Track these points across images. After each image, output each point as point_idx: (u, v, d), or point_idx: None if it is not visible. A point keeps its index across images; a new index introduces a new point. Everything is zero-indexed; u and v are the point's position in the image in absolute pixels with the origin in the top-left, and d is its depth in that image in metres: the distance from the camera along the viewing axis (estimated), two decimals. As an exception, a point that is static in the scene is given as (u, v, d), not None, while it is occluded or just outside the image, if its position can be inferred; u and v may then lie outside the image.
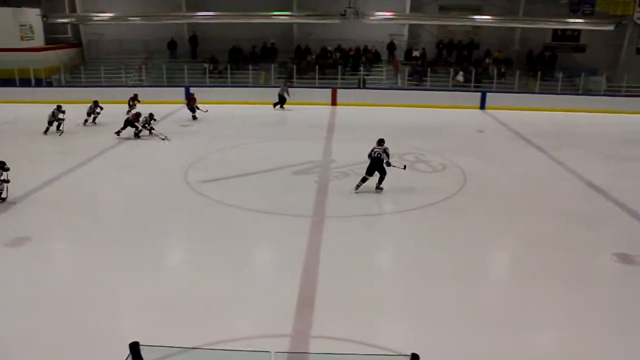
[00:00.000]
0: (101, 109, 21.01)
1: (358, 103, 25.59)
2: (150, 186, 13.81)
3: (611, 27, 27.45)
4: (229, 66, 28.65)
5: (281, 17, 28.29)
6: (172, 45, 30.50)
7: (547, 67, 29.39)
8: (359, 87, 27.73)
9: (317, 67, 28.18)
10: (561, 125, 23.25)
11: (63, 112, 19.52)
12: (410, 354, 4.45)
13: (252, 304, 8.21)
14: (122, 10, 29.00)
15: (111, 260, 9.64)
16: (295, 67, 28.37)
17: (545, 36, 30.34)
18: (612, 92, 27.99)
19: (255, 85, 27.99)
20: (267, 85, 27.99)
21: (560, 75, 28.09)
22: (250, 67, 28.23)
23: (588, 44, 29.99)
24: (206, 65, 28.71)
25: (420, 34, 30.72)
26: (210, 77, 28.37)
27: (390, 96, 25.89)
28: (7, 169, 12.03)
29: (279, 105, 25.43)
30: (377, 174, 13.25)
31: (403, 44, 30.27)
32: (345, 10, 25.53)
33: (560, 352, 7.45)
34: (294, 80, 27.73)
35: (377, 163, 13.28)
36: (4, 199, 12.17)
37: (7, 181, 12.04)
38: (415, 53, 29.60)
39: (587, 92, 27.63)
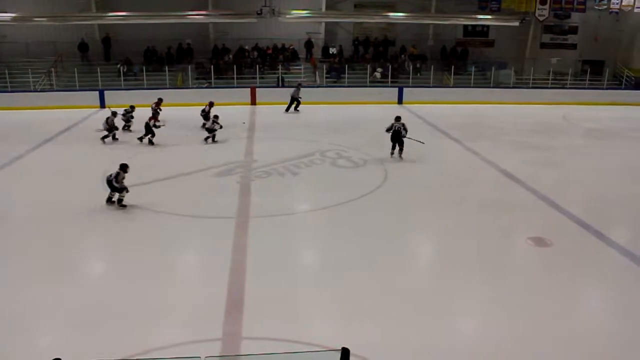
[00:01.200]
0: None
1: (277, 102, 25.55)
2: (66, 194, 13.19)
3: (516, 23, 28.87)
4: (144, 68, 27.85)
5: (196, 16, 27.79)
6: (83, 47, 29.28)
7: (460, 61, 30.50)
8: (277, 86, 27.72)
9: (234, 66, 27.93)
10: (475, 117, 24.13)
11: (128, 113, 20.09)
12: (341, 348, 4.48)
13: (180, 309, 8.03)
14: (27, 10, 27.49)
15: (28, 273, 9.16)
16: (212, 67, 27.99)
17: (456, 32, 31.45)
18: (520, 84, 29.43)
19: (172, 87, 27.39)
20: (184, 86, 27.48)
21: (472, 69, 29.26)
22: (167, 68, 27.57)
23: (497, 39, 31.36)
24: (120, 67, 27.81)
25: (337, 31, 31.07)
26: (125, 80, 27.53)
27: (309, 94, 26.00)
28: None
29: (292, 108, 24.68)
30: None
31: (320, 41, 30.51)
32: (261, 9, 25.43)
33: (485, 335, 7.73)
34: (212, 81, 27.38)
35: (397, 136, 16.14)
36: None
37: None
38: (333, 50, 29.90)
39: (498, 85, 28.91)
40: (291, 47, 29.78)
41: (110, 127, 18.56)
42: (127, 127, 20.23)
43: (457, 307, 8.40)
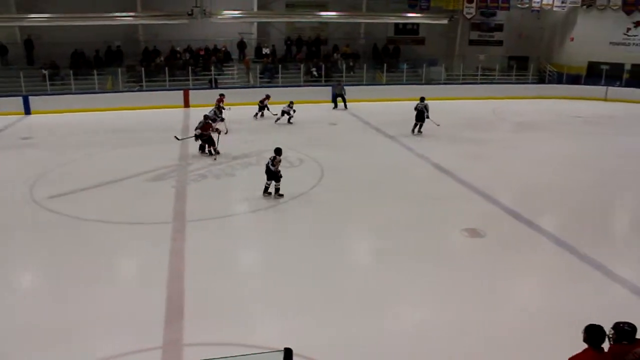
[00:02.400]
0: None
1: (211, 104, 25.08)
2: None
3: (445, 21, 29.70)
4: (71, 72, 26.82)
5: (125, 18, 27.05)
6: (2, 50, 27.91)
7: (392, 59, 30.97)
8: (211, 88, 27.34)
9: (166, 69, 27.36)
10: (408, 113, 24.48)
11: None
12: (283, 348, 4.46)
13: (118, 320, 7.80)
14: None
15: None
16: (143, 69, 27.32)
17: (388, 30, 31.95)
18: (450, 80, 30.19)
19: (102, 90, 26.55)
20: (115, 90, 26.71)
21: (404, 66, 29.77)
22: (95, 72, 26.68)
23: (427, 36, 32.07)
24: (45, 71, 26.68)
25: (270, 31, 30.97)
26: (51, 85, 26.43)
27: (243, 95, 25.77)
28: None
29: (342, 104, 25.43)
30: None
31: (253, 41, 30.32)
32: (192, 10, 25.04)
33: (426, 326, 7.90)
34: (143, 84, 26.75)
35: (421, 115, 19.57)
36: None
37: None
38: (266, 51, 29.77)
39: (429, 82, 29.49)
40: (224, 48, 29.46)
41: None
42: None
43: (397, 300, 8.55)
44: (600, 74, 30.80)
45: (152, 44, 28.97)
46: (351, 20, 30.23)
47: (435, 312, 8.25)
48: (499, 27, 32.97)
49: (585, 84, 30.86)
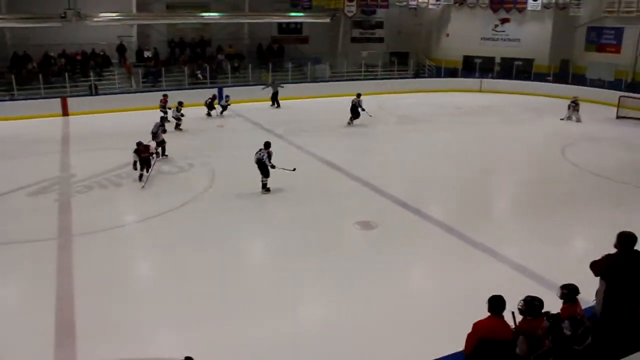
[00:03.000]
0: None
1: (93, 111, 24.08)
2: None
3: (327, 20, 30.23)
4: None
5: (-12, 21, 25.15)
6: None
7: (277, 58, 31.05)
8: (91, 94, 26.07)
9: (40, 75, 25.73)
10: (296, 111, 24.77)
11: None
12: (184, 357, 4.38)
13: (5, 347, 7.28)
14: None
15: None
16: (14, 77, 25.52)
17: (272, 30, 31.98)
18: (335, 77, 30.77)
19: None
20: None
21: (289, 65, 29.93)
22: (-42, 80, 24.64)
23: (310, 35, 32.45)
24: None
25: (150, 33, 29.98)
26: None
27: (126, 100, 24.82)
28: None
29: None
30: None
31: (133, 45, 29.24)
32: (65, 12, 23.71)
33: (330, 320, 8.05)
34: (15, 92, 25.04)
35: (354, 109, 21.12)
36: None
37: None
38: (147, 54, 28.79)
39: (315, 80, 29.89)
40: (102, 52, 28.17)
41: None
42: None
43: (295, 298, 8.65)
44: (475, 67, 32.72)
45: (21, 48, 27.11)
46: (234, 20, 29.98)
47: (337, 305, 8.44)
48: (380, 25, 34.04)
49: (462, 77, 32.69)
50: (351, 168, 15.52)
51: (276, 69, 29.80)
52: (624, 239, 5.63)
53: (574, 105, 23.72)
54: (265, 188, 13.57)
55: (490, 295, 5.47)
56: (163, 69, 27.65)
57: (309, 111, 25.10)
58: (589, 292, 5.94)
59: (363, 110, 21.41)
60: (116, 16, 26.65)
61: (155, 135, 16.28)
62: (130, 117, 23.05)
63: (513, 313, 5.52)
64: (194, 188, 13.91)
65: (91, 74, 26.67)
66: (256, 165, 13.39)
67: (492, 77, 32.37)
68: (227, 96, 24.36)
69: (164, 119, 17.76)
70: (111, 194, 13.76)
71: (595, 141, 20.25)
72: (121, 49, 28.43)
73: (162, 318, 8.13)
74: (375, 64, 32.10)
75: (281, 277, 9.36)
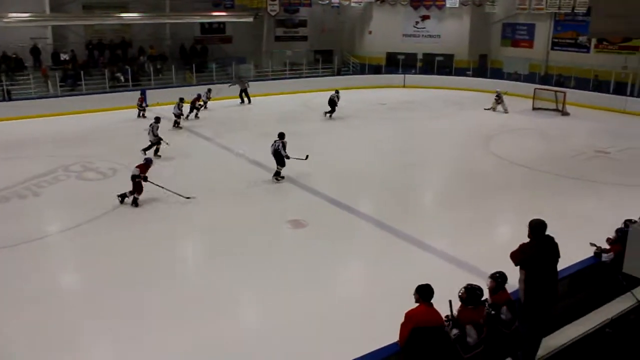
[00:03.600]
0: None
1: (7, 117, 22.90)
2: None
3: (250, 19, 30.01)
4: None
5: None
6: None
7: (201, 59, 30.56)
8: (4, 100, 24.78)
9: (-55, 82, 24.25)
10: (222, 112, 24.40)
11: None
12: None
13: None
14: None
15: None
16: None
17: (194, 30, 31.42)
18: (260, 77, 30.59)
19: None
20: None
21: (213, 66, 29.53)
22: None
23: (234, 35, 32.09)
24: None
25: (67, 35, 28.80)
26: None
27: (43, 106, 23.74)
28: None
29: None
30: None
31: (49, 47, 28.00)
32: (-30, 14, 22.45)
33: (267, 322, 8.01)
34: None
35: (332, 102, 22.51)
36: None
37: None
38: (64, 56, 27.64)
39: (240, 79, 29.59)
40: (14, 56, 26.80)
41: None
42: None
43: (227, 302, 8.53)
44: (398, 63, 33.34)
45: None
46: (155, 21, 29.20)
47: (271, 306, 8.38)
48: (303, 23, 34.12)
49: (386, 73, 33.26)
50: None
51: (200, 70, 29.34)
52: (535, 227, 5.85)
53: (497, 98, 24.72)
54: (280, 176, 14.37)
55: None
56: (82, 72, 26.60)
57: (236, 110, 24.83)
58: (515, 277, 6.15)
59: (337, 105, 22.99)
60: (28, 17, 25.39)
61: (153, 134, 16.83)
62: (48, 123, 22.10)
63: (450, 302, 5.65)
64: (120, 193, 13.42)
65: (3, 78, 25.32)
66: (272, 156, 14.32)
67: (415, 73, 33.13)
68: (209, 90, 25.16)
69: (158, 119, 17.60)
70: (30, 204, 13.11)
71: (514, 132, 21.07)
72: (35, 51, 27.12)
73: (94, 331, 7.83)
74: (300, 62, 32.19)
75: (213, 281, 9.21)
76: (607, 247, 7.75)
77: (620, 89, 26.87)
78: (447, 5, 33.10)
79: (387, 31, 33.75)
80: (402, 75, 32.74)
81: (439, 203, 13.84)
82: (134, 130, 20.89)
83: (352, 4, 33.33)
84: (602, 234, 8.04)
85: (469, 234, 11.25)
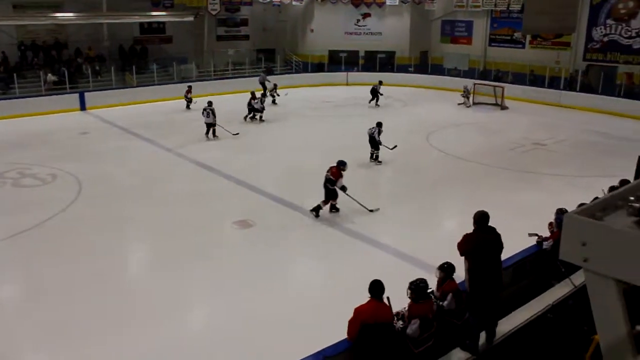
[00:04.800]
0: None
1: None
2: None
3: (191, 18, 29.52)
4: None
5: None
6: None
7: (141, 59, 29.90)
8: None
9: None
10: (164, 114, 23.94)
11: None
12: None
13: None
14: None
15: None
16: None
17: (133, 30, 30.67)
18: (202, 77, 30.17)
19: None
20: None
21: (154, 66, 28.94)
22: None
23: (174, 35, 31.52)
24: None
25: (-3, 36, 27.68)
26: None
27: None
28: None
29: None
30: None
31: (-23, 49, 26.86)
32: None
33: (215, 324, 7.87)
34: None
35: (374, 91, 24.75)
36: None
37: None
38: (-5, 58, 26.58)
39: (182, 80, 29.07)
40: (-60, 59, 25.59)
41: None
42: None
43: (178, 306, 8.36)
44: (340, 61, 33.54)
45: None
46: (91, 21, 28.33)
47: (223, 308, 8.28)
48: (245, 22, 33.85)
49: (329, 71, 33.40)
50: (224, 167, 15.31)
51: (141, 71, 28.71)
52: (478, 218, 6.05)
53: (465, 92, 25.43)
54: (377, 160, 16.18)
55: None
56: (15, 74, 25.58)
57: (178, 112, 24.37)
58: (458, 269, 6.28)
59: (381, 94, 25.44)
60: (-48, 18, 24.26)
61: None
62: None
63: (388, 298, 5.70)
64: (60, 200, 12.95)
65: None
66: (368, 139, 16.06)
67: (358, 70, 33.42)
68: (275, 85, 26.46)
69: (210, 102, 19.65)
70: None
71: (456, 127, 21.52)
72: (-38, 54, 25.98)
73: (37, 341, 7.55)
74: (243, 61, 31.95)
75: (161, 285, 9.01)
76: (548, 234, 8.01)
77: (554, 83, 27.87)
78: (388, 3, 33.52)
79: (329, 29, 33.90)
80: (345, 73, 32.95)
81: (384, 198, 13.96)
82: (74, 134, 20.30)
83: (294, 3, 33.31)
84: (542, 223, 8.30)
85: (415, 228, 11.42)
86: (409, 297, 5.79)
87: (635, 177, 10.20)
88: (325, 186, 11.93)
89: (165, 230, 11.24)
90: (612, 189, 8.56)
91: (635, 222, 1.59)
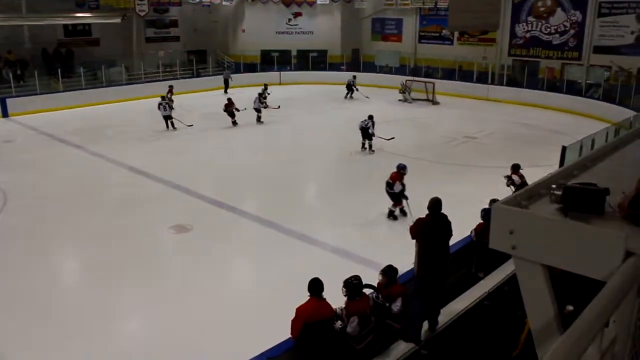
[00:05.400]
0: None
1: None
2: None
3: (118, 20, 28.69)
4: None
5: None
6: None
7: (66, 63, 28.81)
8: None
9: None
10: (93, 119, 23.21)
11: None
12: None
13: None
14: None
15: None
16: None
17: (57, 32, 29.52)
18: (132, 80, 29.42)
19: None
20: None
21: (81, 70, 27.95)
22: None
23: (101, 37, 30.57)
24: None
25: None
26: None
27: None
28: None
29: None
30: None
31: None
32: None
33: (158, 330, 7.72)
34: None
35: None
36: None
37: None
38: None
39: (111, 84, 28.29)
40: None
41: None
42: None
43: (111, 320, 8.13)
44: (273, 61, 33.47)
45: None
46: (9, 22, 27.03)
47: (163, 314, 8.10)
48: (174, 23, 33.23)
49: (261, 71, 33.24)
50: (159, 172, 14.99)
51: (67, 75, 27.66)
52: (431, 204, 6.26)
53: (403, 88, 25.79)
54: (371, 149, 17.07)
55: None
56: None
57: (108, 117, 23.64)
58: (401, 260, 6.37)
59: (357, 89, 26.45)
60: None
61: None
62: None
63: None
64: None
65: None
66: (360, 132, 17.06)
67: (290, 70, 33.46)
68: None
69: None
70: None
71: (389, 123, 21.79)
72: None
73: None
74: (174, 63, 31.33)
75: (92, 298, 8.70)
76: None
77: (482, 78, 28.78)
78: (318, 2, 33.73)
79: (261, 29, 33.77)
80: (278, 73, 32.91)
81: (320, 196, 14.07)
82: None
83: (224, 3, 32.98)
84: (476, 214, 8.53)
85: (352, 224, 11.52)
86: (344, 295, 5.84)
87: (560, 166, 10.67)
88: (386, 191, 11.83)
89: (95, 241, 10.83)
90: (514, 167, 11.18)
91: (557, 209, 1.66)
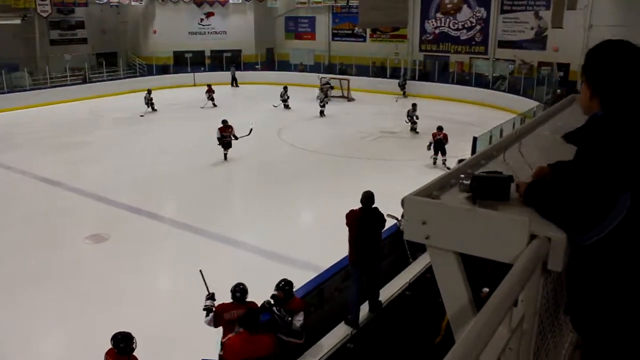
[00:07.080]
0: None
1: None
2: None
3: (18, 21, 27.25)
4: None
5: None
6: None
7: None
8: None
9: None
10: (2, 127, 21.91)
11: None
12: None
13: None
14: None
15: None
16: None
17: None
18: (37, 85, 27.92)
19: None
20: None
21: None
22: None
23: (0, 39, 28.87)
24: None
25: None
26: None
27: None
28: None
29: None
30: None
31: None
32: None
33: (80, 349, 7.38)
34: None
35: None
36: None
37: None
38: None
39: (13, 89, 26.76)
40: None
41: None
42: None
43: (29, 337, 7.71)
44: (186, 62, 32.83)
45: None
46: None
47: (84, 331, 7.74)
48: (81, 25, 31.87)
49: (174, 72, 32.52)
50: (71, 181, 14.34)
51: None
52: (363, 198, 6.71)
53: (327, 88, 25.49)
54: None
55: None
56: None
57: (17, 124, 22.24)
58: (322, 259, 6.43)
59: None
60: None
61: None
62: None
63: (201, 271, 6.14)
64: None
65: None
66: None
67: (204, 70, 32.96)
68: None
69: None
70: None
71: (306, 121, 22.00)
72: None
73: None
74: (82, 66, 30.00)
75: (17, 313, 8.20)
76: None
77: (395, 73, 29.47)
78: (231, 2, 33.50)
79: (172, 30, 33.04)
80: (192, 74, 32.31)
81: (241, 197, 13.98)
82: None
83: (133, 3, 32.12)
84: (399, 206, 8.66)
85: (274, 224, 11.48)
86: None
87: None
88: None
89: (8, 255, 10.21)
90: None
91: (466, 197, 1.73)
